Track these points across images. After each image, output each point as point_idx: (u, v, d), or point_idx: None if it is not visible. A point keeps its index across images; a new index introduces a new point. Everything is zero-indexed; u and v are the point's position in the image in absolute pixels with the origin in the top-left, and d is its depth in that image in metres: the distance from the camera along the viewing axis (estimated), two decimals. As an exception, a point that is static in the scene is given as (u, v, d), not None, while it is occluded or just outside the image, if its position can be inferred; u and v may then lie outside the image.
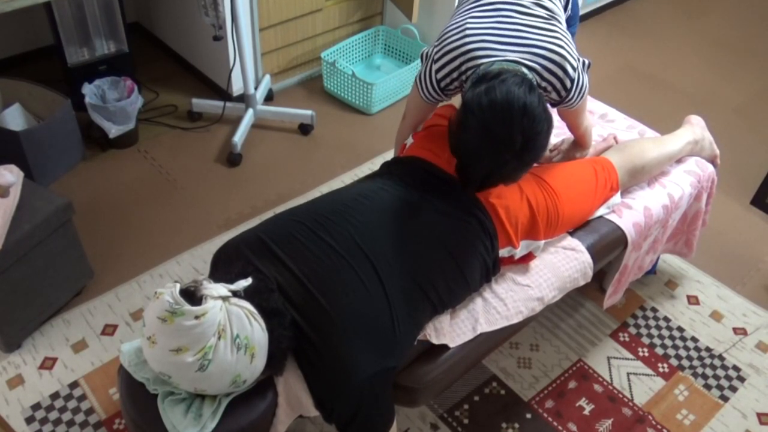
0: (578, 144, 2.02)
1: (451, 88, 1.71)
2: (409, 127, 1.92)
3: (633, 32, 3.91)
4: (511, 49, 1.59)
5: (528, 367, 2.07)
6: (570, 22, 2.00)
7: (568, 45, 1.62)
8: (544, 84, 1.61)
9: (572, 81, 1.62)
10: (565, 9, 1.88)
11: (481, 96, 1.44)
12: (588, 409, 1.98)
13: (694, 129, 2.14)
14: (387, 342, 1.41)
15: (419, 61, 3.12)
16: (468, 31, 1.63)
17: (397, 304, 1.44)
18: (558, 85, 1.62)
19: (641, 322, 2.24)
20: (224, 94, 3.02)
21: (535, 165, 1.90)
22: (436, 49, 1.68)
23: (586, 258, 1.81)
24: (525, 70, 1.55)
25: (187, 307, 1.22)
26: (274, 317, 1.33)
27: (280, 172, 2.72)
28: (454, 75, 1.66)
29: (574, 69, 1.61)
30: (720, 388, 2.07)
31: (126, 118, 2.64)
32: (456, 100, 1.63)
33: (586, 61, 1.70)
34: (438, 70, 1.68)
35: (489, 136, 1.44)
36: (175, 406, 1.33)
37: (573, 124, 1.89)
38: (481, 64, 1.59)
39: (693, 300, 2.33)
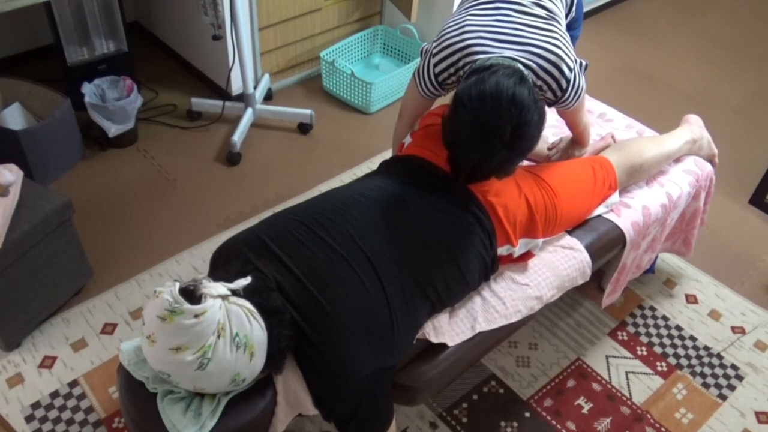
0: (577, 142, 2.02)
1: (448, 83, 1.73)
2: (406, 125, 1.93)
3: (632, 31, 3.92)
4: (509, 47, 1.60)
5: (527, 366, 2.08)
6: (573, 25, 2.00)
7: (565, 45, 1.63)
8: (539, 83, 1.62)
9: (568, 81, 1.62)
10: (569, 12, 1.88)
11: (471, 87, 1.46)
12: (587, 407, 1.98)
13: (693, 128, 2.14)
14: (386, 340, 1.42)
15: (418, 60, 3.14)
16: (466, 28, 1.64)
17: (396, 303, 1.45)
18: (554, 85, 1.62)
19: (640, 321, 2.25)
20: (223, 94, 3.02)
21: (533, 164, 1.92)
22: (435, 45, 1.69)
23: (585, 257, 1.82)
24: (521, 66, 1.56)
25: (187, 305, 1.23)
26: (274, 316, 1.33)
27: (280, 172, 2.72)
28: (452, 70, 1.68)
29: (570, 69, 1.62)
30: (718, 386, 2.07)
31: (125, 118, 2.64)
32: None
33: (583, 62, 1.71)
34: (436, 65, 1.69)
35: (478, 126, 1.44)
36: (174, 405, 1.33)
37: (571, 123, 1.89)
38: (478, 60, 1.60)
39: (691, 299, 2.34)
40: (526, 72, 1.55)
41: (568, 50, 1.63)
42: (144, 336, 1.28)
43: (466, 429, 1.90)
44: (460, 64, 1.65)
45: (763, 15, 4.18)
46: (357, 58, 3.30)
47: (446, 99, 1.86)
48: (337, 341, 1.37)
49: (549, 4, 1.71)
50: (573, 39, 1.92)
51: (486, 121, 1.44)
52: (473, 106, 1.44)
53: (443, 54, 1.67)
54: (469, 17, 1.67)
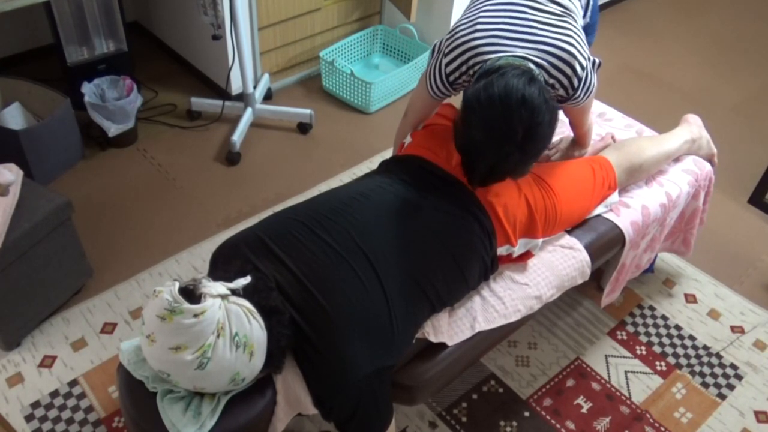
0: (578, 143, 2.02)
1: (459, 82, 1.70)
2: (410, 125, 1.92)
3: (631, 31, 3.92)
4: (521, 45, 1.59)
5: (526, 366, 2.08)
6: (588, 31, 1.96)
7: (579, 43, 1.60)
8: (551, 81, 1.60)
9: (580, 80, 1.61)
10: (584, 15, 1.86)
11: (480, 92, 1.45)
12: (586, 407, 1.98)
13: (692, 128, 2.14)
14: (385, 340, 1.42)
15: (418, 59, 3.14)
16: (478, 26, 1.62)
17: (396, 303, 1.45)
18: (566, 83, 1.61)
19: (639, 320, 2.25)
20: (223, 93, 3.02)
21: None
22: (447, 42, 1.67)
23: (584, 256, 1.82)
24: (532, 65, 1.54)
25: (186, 305, 1.23)
26: (273, 315, 1.34)
27: (279, 171, 2.72)
28: (463, 69, 1.65)
29: (583, 68, 1.60)
30: (717, 386, 2.07)
31: (125, 117, 2.64)
32: (457, 101, 1.63)
33: (597, 60, 1.69)
34: (447, 64, 1.67)
35: (490, 130, 1.44)
36: (174, 404, 1.33)
37: (576, 122, 1.89)
38: (489, 59, 1.58)
39: (691, 298, 2.34)
40: (537, 71, 1.53)
41: (582, 48, 1.61)
42: (144, 335, 1.28)
43: (465, 428, 1.91)
44: (471, 62, 1.63)
45: (763, 15, 4.18)
46: (356, 58, 3.31)
47: (450, 99, 1.86)
48: (336, 341, 1.37)
49: (564, 1, 1.68)
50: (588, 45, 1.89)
51: (497, 124, 1.43)
52: (483, 110, 1.43)
53: (455, 53, 1.64)
54: (482, 14, 1.65)
